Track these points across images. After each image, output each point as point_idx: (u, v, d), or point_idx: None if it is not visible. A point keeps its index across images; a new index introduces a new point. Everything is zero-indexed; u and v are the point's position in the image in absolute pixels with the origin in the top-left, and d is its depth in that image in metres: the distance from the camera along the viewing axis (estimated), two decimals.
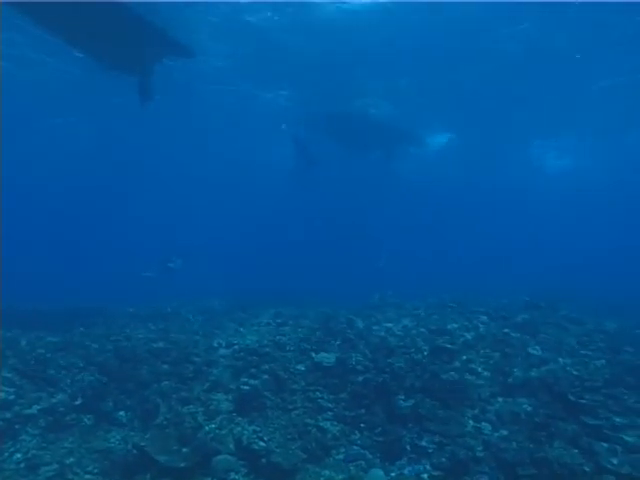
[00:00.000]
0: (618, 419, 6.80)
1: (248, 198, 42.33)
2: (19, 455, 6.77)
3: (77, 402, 8.16)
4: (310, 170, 20.83)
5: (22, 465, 6.57)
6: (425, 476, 6.36)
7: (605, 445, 6.34)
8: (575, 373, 7.90)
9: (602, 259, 41.01)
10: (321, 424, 7.45)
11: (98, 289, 21.97)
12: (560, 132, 23.63)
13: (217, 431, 7.29)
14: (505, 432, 6.99)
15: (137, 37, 8.90)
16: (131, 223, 51.88)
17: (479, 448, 6.66)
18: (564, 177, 32.01)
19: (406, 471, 6.53)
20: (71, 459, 6.79)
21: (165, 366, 9.23)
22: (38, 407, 7.71)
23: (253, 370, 8.80)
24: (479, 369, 8.43)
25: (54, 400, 7.99)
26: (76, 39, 9.09)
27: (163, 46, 9.51)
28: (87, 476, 6.50)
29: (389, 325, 10.83)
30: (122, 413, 8.26)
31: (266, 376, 8.60)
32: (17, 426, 7.32)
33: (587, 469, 5.96)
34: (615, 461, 6.04)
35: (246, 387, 8.25)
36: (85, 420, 7.92)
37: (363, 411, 7.81)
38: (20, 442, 7.07)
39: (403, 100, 19.10)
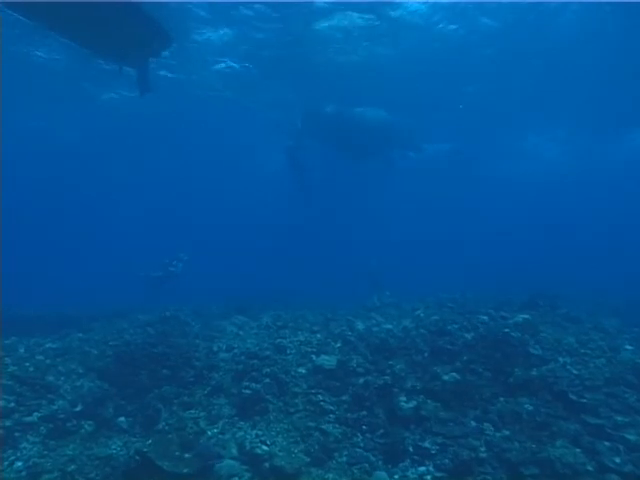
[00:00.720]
0: (619, 418, 6.83)
1: (245, 202, 42.35)
2: (20, 463, 6.71)
3: (77, 409, 8.10)
4: (303, 178, 20.74)
5: (23, 473, 6.51)
6: (429, 477, 6.36)
7: (607, 444, 6.36)
8: (575, 372, 7.93)
9: (599, 257, 41.18)
10: (323, 427, 7.43)
11: (95, 294, 21.85)
12: (556, 129, 23.77)
13: (220, 436, 7.29)
14: (507, 432, 7.00)
15: (137, 31, 8.87)
16: (130, 227, 51.71)
17: (482, 449, 6.66)
18: (560, 174, 32.16)
19: (409, 473, 6.53)
20: (73, 466, 6.72)
21: (165, 371, 9.19)
22: (38, 414, 7.64)
23: (254, 374, 8.79)
24: (480, 369, 8.43)
25: (54, 407, 7.92)
26: (77, 36, 9.06)
27: (158, 38, 9.48)
28: None
29: (389, 326, 10.84)
30: (122, 419, 8.20)
31: (267, 380, 8.59)
32: (17, 434, 7.26)
33: (590, 468, 5.98)
34: (618, 460, 6.07)
35: (248, 391, 8.24)
36: (85, 427, 7.86)
37: (365, 413, 7.80)
38: (21, 450, 7.01)
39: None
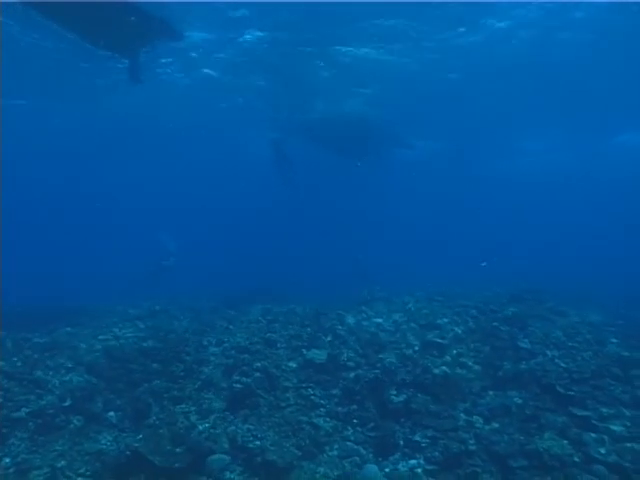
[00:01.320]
0: (605, 409, 6.97)
1: (233, 196, 42.11)
2: (8, 460, 6.63)
3: (66, 403, 8.02)
4: (290, 174, 20.60)
5: (12, 470, 6.45)
6: (419, 470, 6.43)
7: (593, 435, 6.50)
8: (563, 365, 8.06)
9: (587, 254, 41.74)
10: (314, 421, 7.48)
11: (84, 287, 21.55)
12: (547, 126, 23.92)
13: (211, 430, 7.28)
14: (496, 425, 7.11)
15: (128, 21, 8.76)
16: (120, 222, 51.10)
17: (471, 441, 6.75)
18: (553, 173, 32.46)
19: (400, 466, 6.59)
20: (62, 462, 6.68)
21: (155, 365, 9.14)
22: (27, 410, 7.56)
23: (245, 368, 8.79)
24: (470, 363, 8.54)
25: (43, 402, 7.84)
26: (71, 23, 8.93)
27: (153, 30, 9.35)
28: (79, 479, 6.41)
29: (379, 320, 10.89)
30: (112, 413, 8.14)
31: (258, 374, 8.59)
32: (5, 430, 7.17)
33: (577, 459, 6.10)
34: (603, 450, 6.20)
35: (238, 385, 8.24)
36: (75, 421, 7.78)
37: (355, 407, 7.85)
38: (9, 446, 6.93)
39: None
